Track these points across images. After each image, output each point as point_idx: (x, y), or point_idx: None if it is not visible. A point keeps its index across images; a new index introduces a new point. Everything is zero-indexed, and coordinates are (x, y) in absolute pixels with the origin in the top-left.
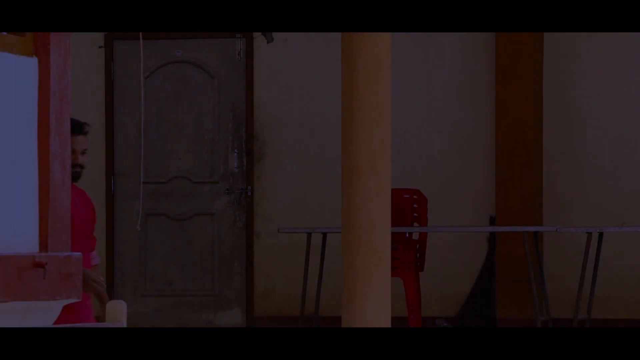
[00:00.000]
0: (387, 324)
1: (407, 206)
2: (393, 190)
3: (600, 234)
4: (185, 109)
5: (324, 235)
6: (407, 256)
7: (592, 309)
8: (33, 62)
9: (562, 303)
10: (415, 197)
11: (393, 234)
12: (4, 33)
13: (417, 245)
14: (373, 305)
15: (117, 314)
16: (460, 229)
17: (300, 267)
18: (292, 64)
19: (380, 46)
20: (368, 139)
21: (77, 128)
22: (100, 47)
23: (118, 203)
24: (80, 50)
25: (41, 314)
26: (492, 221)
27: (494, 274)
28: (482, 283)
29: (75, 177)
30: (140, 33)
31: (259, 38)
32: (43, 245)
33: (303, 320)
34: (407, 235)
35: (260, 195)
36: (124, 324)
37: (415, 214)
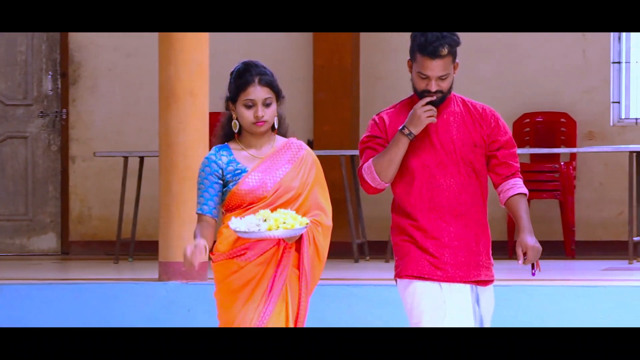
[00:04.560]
0: None
1: None
2: (211, 114)
3: None
4: None
5: (141, 159)
6: None
7: None
8: None
9: (377, 226)
10: None
11: None
12: None
13: None
14: (190, 229)
15: None
16: None
17: (117, 191)
18: None
19: None
20: (186, 62)
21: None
22: None
23: None
24: None
25: None
26: (310, 144)
27: None
28: None
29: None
30: None
31: None
32: None
33: (120, 245)
34: None
35: (75, 118)
36: None
37: None
